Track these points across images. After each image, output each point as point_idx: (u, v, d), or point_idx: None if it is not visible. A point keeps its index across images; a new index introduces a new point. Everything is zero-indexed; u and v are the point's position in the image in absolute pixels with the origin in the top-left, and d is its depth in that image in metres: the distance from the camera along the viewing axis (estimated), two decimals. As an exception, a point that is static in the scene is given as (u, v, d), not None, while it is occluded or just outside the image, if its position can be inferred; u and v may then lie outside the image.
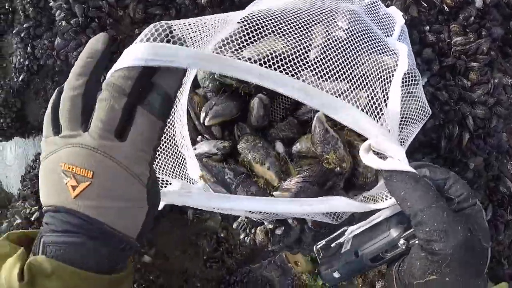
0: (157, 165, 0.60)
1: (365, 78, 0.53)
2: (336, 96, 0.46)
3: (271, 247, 0.98)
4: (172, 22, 0.41)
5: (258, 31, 0.49)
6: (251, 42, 0.50)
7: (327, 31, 0.50)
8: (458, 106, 0.81)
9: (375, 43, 0.54)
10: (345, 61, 0.52)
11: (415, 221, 0.44)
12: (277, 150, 0.65)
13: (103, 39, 0.41)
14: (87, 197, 0.38)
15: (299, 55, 0.50)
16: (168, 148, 0.61)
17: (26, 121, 2.07)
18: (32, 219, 1.67)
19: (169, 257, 1.72)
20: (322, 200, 0.52)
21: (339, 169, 0.57)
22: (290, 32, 0.52)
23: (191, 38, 0.42)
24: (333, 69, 0.51)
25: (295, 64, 0.46)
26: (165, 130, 0.60)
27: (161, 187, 0.60)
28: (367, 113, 0.49)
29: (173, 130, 0.61)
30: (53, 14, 1.85)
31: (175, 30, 0.41)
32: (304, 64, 0.50)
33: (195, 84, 0.76)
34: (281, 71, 0.42)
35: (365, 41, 0.52)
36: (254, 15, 0.50)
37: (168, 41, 0.39)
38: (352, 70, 0.53)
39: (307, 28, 0.53)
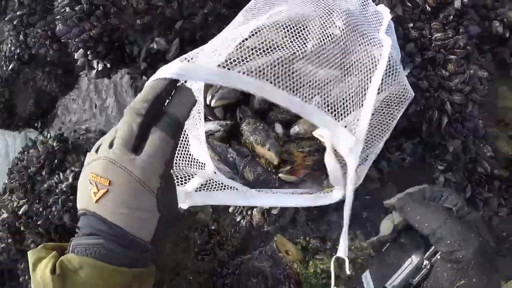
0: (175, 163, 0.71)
1: (355, 66, 0.64)
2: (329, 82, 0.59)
3: (267, 228, 1.09)
4: (194, 52, 0.54)
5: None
6: (252, 35, 0.62)
7: (324, 26, 0.62)
8: (438, 93, 0.94)
9: (365, 37, 0.66)
10: (339, 52, 0.63)
11: (435, 238, 0.53)
12: (276, 132, 0.76)
13: (165, 84, 0.50)
14: (105, 203, 0.46)
15: (298, 46, 0.61)
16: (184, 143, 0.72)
17: (14, 112, 2.10)
18: (20, 212, 1.70)
19: (160, 251, 1.80)
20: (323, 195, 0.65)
21: None
22: (289, 25, 0.64)
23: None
24: (328, 59, 0.63)
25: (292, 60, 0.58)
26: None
27: (181, 184, 0.70)
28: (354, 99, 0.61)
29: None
30: (48, 2, 1.90)
31: (196, 57, 0.53)
32: (301, 54, 0.62)
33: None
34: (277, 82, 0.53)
35: (357, 36, 0.64)
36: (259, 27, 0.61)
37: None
38: (345, 59, 0.64)
39: (305, 22, 0.64)
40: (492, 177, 1.17)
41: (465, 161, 1.17)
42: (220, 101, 0.78)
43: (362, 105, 0.60)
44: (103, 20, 1.11)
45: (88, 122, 1.99)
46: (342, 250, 0.62)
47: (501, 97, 1.28)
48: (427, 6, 1.02)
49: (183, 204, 0.67)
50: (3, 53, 2.01)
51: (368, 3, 0.74)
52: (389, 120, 0.67)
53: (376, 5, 0.85)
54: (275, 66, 0.55)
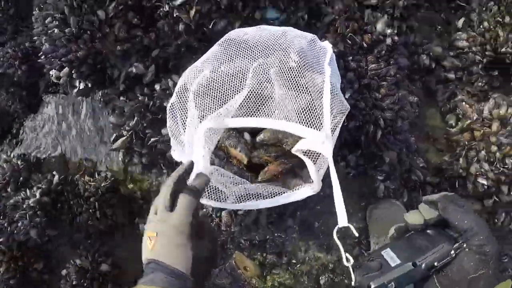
0: None
1: (306, 88, 0.90)
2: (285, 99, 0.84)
3: (233, 228, 1.28)
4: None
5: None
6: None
7: (282, 60, 0.88)
8: (372, 111, 1.22)
9: (313, 67, 0.92)
10: (294, 78, 0.89)
11: (472, 232, 0.70)
12: (245, 138, 1.00)
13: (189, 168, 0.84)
14: (156, 248, 0.73)
15: (262, 73, 0.87)
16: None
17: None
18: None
19: (123, 268, 1.83)
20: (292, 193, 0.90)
21: (292, 146, 0.94)
22: (254, 56, 0.89)
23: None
24: (285, 82, 0.88)
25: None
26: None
27: None
28: (306, 113, 0.87)
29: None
30: (20, 24, 2.01)
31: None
32: (266, 79, 0.87)
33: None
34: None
35: (307, 67, 0.90)
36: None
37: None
38: (298, 83, 0.90)
39: (267, 56, 0.90)
40: (425, 183, 1.46)
41: (401, 171, 1.46)
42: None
43: (322, 113, 0.85)
44: (89, 43, 1.30)
45: (49, 144, 2.05)
46: (342, 219, 0.83)
47: (429, 118, 1.61)
48: (364, 43, 1.33)
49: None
50: (-34, 70, 2.03)
51: (315, 40, 1.01)
52: (338, 123, 0.93)
53: (323, 41, 1.13)
54: (249, 100, 0.81)
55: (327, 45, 1.05)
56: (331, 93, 0.88)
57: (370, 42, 1.31)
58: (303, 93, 0.90)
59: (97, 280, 1.69)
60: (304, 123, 0.86)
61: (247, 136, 1.00)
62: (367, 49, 1.33)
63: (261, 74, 0.90)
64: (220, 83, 0.90)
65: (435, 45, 1.60)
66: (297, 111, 0.88)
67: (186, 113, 0.93)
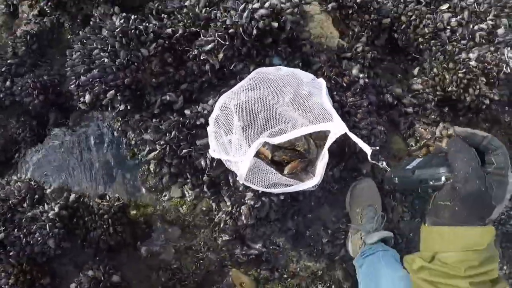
0: None
1: (310, 109, 1.43)
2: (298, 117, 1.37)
3: (250, 221, 1.70)
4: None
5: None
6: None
7: (296, 89, 1.40)
8: (352, 129, 1.75)
9: (315, 95, 1.46)
10: (303, 102, 1.42)
11: (457, 172, 0.80)
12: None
13: None
14: None
15: (279, 101, 1.40)
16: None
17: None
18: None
19: (129, 283, 2.05)
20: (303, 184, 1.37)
21: (302, 149, 1.44)
22: (274, 86, 1.42)
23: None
24: (297, 106, 1.41)
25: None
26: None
27: None
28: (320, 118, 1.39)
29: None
30: (39, 58, 2.38)
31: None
32: (280, 104, 1.40)
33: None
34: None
35: (312, 94, 1.44)
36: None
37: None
38: (306, 104, 1.43)
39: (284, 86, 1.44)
40: (394, 191, 1.98)
41: (375, 182, 1.98)
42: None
43: (330, 114, 1.36)
44: (134, 73, 1.77)
45: (54, 173, 2.28)
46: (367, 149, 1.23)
47: (394, 143, 2.16)
48: (343, 83, 1.90)
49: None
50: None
51: (314, 78, 1.55)
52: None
53: (318, 78, 1.68)
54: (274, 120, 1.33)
55: (322, 81, 1.58)
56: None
57: (348, 82, 1.88)
58: (308, 112, 1.43)
59: (110, 290, 1.83)
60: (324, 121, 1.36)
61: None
62: (346, 87, 1.89)
63: (280, 101, 1.41)
64: (252, 103, 1.40)
65: (396, 87, 2.20)
66: (309, 122, 1.40)
67: (227, 122, 1.41)
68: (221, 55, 1.69)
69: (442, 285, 0.87)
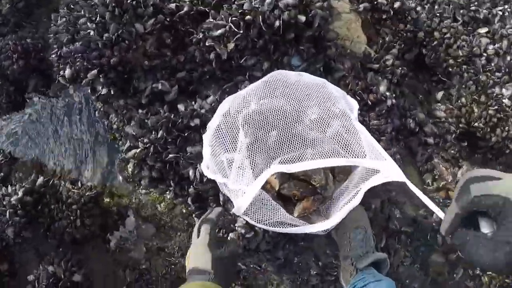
0: None
1: (341, 135, 1.08)
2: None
3: (240, 251, 1.38)
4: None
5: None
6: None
7: (326, 106, 1.05)
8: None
9: (346, 117, 1.11)
10: (333, 124, 1.07)
11: None
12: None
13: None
14: (190, 263, 1.12)
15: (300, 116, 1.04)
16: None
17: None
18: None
19: (92, 281, 1.84)
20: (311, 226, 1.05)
21: (319, 184, 1.10)
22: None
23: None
24: (325, 127, 1.06)
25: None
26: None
27: None
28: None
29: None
30: (24, 19, 2.03)
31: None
32: (301, 121, 1.04)
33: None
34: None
35: (344, 115, 1.09)
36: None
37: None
38: (334, 128, 1.08)
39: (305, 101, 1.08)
40: (400, 232, 1.68)
41: (381, 219, 1.67)
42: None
43: (377, 151, 1.03)
44: (123, 52, 1.40)
45: (28, 145, 2.07)
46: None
47: (408, 175, 1.83)
48: (369, 100, 1.56)
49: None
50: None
51: (345, 95, 1.22)
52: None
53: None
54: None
55: (353, 102, 1.24)
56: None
57: (374, 101, 1.54)
58: (339, 137, 1.08)
59: (66, 291, 1.66)
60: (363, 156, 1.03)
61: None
62: (370, 106, 1.56)
63: (301, 117, 1.06)
64: (264, 115, 1.05)
65: (419, 111, 1.89)
66: (335, 151, 1.06)
67: (229, 136, 1.06)
68: (231, 45, 1.34)
69: None
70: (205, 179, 1.28)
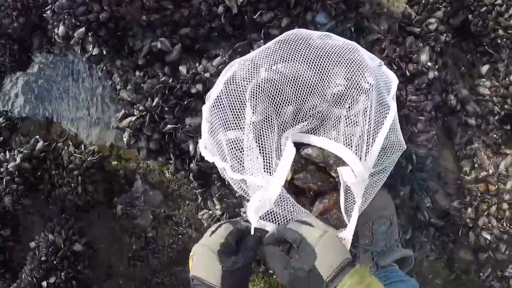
0: None
1: (365, 113, 0.82)
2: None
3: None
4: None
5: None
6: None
7: (353, 77, 0.78)
8: (407, 145, 1.16)
9: (380, 95, 0.83)
10: (357, 99, 0.80)
11: None
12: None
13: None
14: (194, 266, 0.87)
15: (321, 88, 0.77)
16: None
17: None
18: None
19: (96, 249, 1.78)
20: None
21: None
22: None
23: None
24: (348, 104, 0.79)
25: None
26: None
27: None
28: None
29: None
30: None
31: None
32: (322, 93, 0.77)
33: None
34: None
35: (375, 93, 0.81)
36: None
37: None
38: (358, 106, 0.81)
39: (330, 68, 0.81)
40: (429, 225, 1.43)
41: (409, 208, 1.42)
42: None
43: (373, 141, 0.77)
44: (114, 6, 1.14)
45: (34, 104, 1.95)
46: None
47: (443, 159, 1.59)
48: (407, 71, 1.26)
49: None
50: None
51: (382, 66, 0.93)
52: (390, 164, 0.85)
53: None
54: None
55: (392, 76, 0.95)
56: (390, 128, 0.80)
57: (413, 71, 1.25)
58: (360, 116, 0.82)
59: (68, 260, 1.61)
60: (351, 147, 0.78)
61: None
62: (408, 78, 1.27)
63: (322, 89, 0.79)
64: (278, 84, 0.79)
65: (462, 87, 1.58)
66: (348, 135, 0.80)
67: (232, 110, 0.81)
68: (243, -3, 1.05)
69: None
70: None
